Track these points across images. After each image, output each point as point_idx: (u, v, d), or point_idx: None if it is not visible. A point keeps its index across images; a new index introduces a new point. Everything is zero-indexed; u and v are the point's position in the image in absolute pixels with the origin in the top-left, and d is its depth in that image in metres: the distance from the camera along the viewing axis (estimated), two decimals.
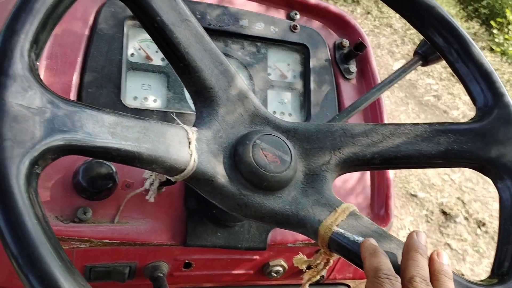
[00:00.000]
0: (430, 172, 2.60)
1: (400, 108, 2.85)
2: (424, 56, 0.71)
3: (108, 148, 0.41)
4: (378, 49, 3.18)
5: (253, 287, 0.75)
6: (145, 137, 0.44)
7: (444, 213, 2.45)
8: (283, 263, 0.70)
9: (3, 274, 0.62)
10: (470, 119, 0.56)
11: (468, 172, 2.67)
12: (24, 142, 0.36)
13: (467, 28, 3.66)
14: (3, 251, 0.34)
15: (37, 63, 0.40)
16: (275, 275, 0.71)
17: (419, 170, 2.58)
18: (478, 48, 0.58)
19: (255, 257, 0.69)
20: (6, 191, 0.34)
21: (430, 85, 3.14)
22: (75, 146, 0.39)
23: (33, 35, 0.39)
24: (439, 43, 0.58)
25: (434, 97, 3.06)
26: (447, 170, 2.66)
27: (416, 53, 0.72)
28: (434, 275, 0.44)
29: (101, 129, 0.41)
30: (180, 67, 0.50)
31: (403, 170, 2.53)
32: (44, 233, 0.34)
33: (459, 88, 3.16)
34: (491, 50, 3.57)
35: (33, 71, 0.39)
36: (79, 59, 0.63)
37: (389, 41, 3.30)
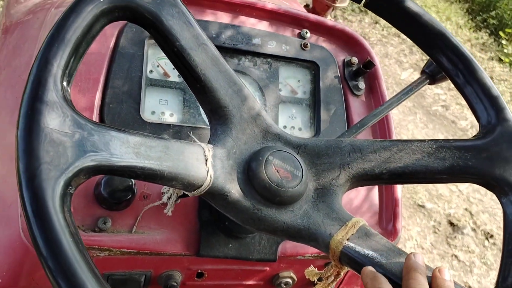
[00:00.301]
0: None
1: (408, 117, 2.86)
2: (431, 75, 0.74)
3: (133, 167, 0.44)
4: (386, 59, 3.20)
5: None
6: (166, 155, 0.47)
7: (451, 224, 2.45)
8: (292, 275, 0.73)
9: None
10: (474, 136, 0.58)
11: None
12: (59, 164, 0.39)
13: (475, 38, 3.67)
14: None
15: (69, 89, 0.43)
16: (285, 286, 0.73)
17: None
18: (481, 68, 0.60)
19: (265, 268, 0.71)
20: (43, 211, 0.37)
21: (438, 95, 3.15)
22: (105, 166, 0.42)
23: (65, 63, 0.42)
24: (444, 63, 0.61)
25: (442, 107, 3.06)
26: None
27: (423, 72, 0.75)
28: None
29: (127, 149, 0.44)
30: (196, 87, 0.54)
31: None
32: (78, 250, 0.37)
33: None
34: (500, 60, 3.57)
35: (65, 97, 0.42)
36: (102, 77, 0.67)
37: (397, 50, 3.32)
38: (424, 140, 0.58)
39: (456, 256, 2.29)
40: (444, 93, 3.20)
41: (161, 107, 0.72)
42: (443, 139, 0.58)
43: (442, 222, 2.45)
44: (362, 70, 0.80)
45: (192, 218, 0.66)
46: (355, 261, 0.49)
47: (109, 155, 0.42)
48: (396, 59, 3.27)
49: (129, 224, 0.63)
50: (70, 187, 0.40)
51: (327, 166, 0.57)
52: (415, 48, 3.36)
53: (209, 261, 0.67)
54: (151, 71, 0.72)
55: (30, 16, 0.79)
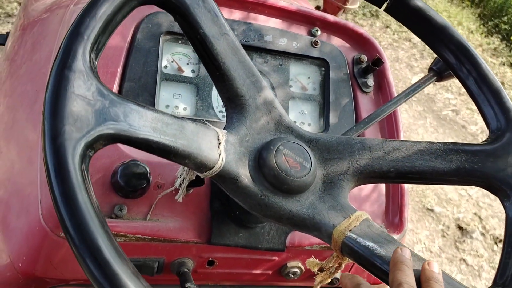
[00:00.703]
0: (447, 187, 2.59)
1: (418, 122, 2.86)
2: (439, 72, 0.75)
3: (150, 140, 0.46)
4: (396, 63, 3.20)
5: (271, 287, 0.79)
6: (181, 134, 0.49)
7: (460, 228, 2.44)
8: (300, 265, 0.74)
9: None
10: (483, 141, 0.60)
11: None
12: (81, 128, 0.42)
13: (487, 43, 3.66)
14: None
15: (96, 62, 0.46)
16: (292, 276, 0.75)
17: (436, 185, 2.59)
18: (493, 73, 0.62)
19: (274, 258, 0.73)
20: (63, 167, 0.40)
21: (448, 100, 3.14)
22: (123, 136, 0.45)
23: (94, 37, 0.45)
24: (458, 71, 0.63)
25: (452, 112, 3.06)
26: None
27: (430, 69, 0.76)
28: (425, 282, 0.47)
29: (144, 123, 0.46)
30: (216, 75, 0.56)
31: (420, 185, 2.54)
32: (92, 206, 0.40)
33: None
34: (511, 65, 3.55)
35: (92, 68, 0.45)
36: (119, 70, 0.69)
37: (408, 55, 3.32)
38: (433, 142, 0.60)
39: (464, 260, 2.28)
40: (455, 97, 3.20)
41: (175, 101, 0.74)
42: (452, 142, 0.60)
43: (451, 226, 2.44)
44: (371, 67, 0.82)
45: (204, 208, 0.68)
46: (355, 252, 0.50)
47: (127, 126, 0.45)
48: (407, 63, 3.27)
49: (143, 212, 0.65)
50: (90, 150, 0.43)
51: (336, 162, 0.58)
52: (426, 52, 3.36)
53: (220, 249, 0.69)
54: (165, 66, 0.75)
55: (49, 13, 0.82)
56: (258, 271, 0.74)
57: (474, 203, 2.59)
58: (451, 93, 3.24)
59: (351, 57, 0.84)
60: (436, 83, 0.76)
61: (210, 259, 0.71)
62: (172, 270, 0.69)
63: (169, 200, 0.67)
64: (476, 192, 2.64)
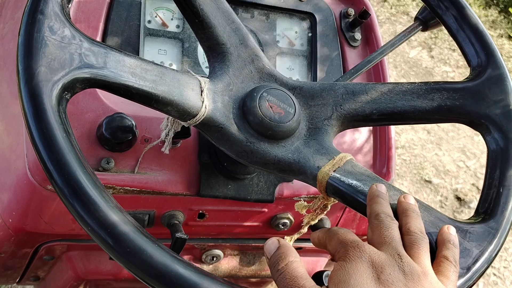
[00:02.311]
0: (445, 159, 2.60)
1: None
2: (424, 21, 0.75)
3: (129, 86, 0.46)
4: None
5: (262, 240, 0.80)
6: (161, 80, 0.49)
7: (458, 198, 2.45)
8: (289, 216, 0.75)
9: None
10: (465, 78, 0.60)
11: (484, 159, 2.66)
12: (56, 69, 0.42)
13: (485, 16, 3.62)
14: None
15: (69, 6, 0.46)
16: (282, 227, 0.76)
17: (434, 157, 2.59)
18: (474, 12, 0.61)
19: (263, 209, 0.74)
20: (39, 108, 0.40)
21: (446, 73, 3.12)
22: (100, 81, 0.44)
23: None
24: (437, 8, 0.62)
25: None
26: (463, 157, 2.65)
27: (416, 18, 0.76)
28: (402, 213, 0.47)
29: (123, 68, 0.46)
30: (195, 23, 0.55)
31: (417, 155, 2.54)
32: (71, 144, 0.40)
33: None
34: (509, 38, 3.52)
35: (65, 12, 0.44)
36: (101, 25, 0.69)
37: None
38: (414, 83, 0.60)
39: None
40: (453, 70, 3.18)
41: (160, 57, 0.74)
42: (433, 82, 0.60)
43: (449, 197, 2.46)
44: (358, 20, 0.81)
45: (192, 160, 0.68)
46: (340, 191, 0.51)
47: (105, 71, 0.45)
48: None
49: (131, 165, 0.66)
50: (66, 93, 0.43)
51: (320, 107, 0.58)
52: None
53: (209, 201, 0.70)
54: (149, 21, 0.74)
55: None
56: (248, 223, 0.75)
57: (472, 174, 2.60)
58: (449, 66, 3.23)
59: (338, 11, 0.83)
60: (422, 32, 0.75)
61: (200, 211, 0.71)
62: (162, 222, 0.70)
63: (157, 154, 0.67)
64: (474, 163, 2.64)
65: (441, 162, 2.59)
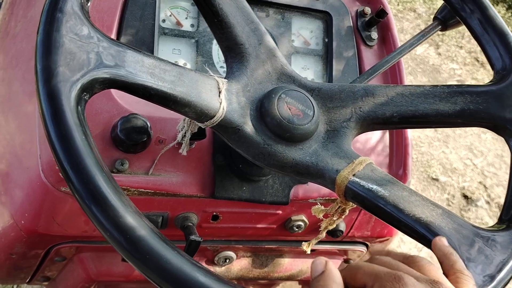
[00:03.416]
0: (452, 157, 2.58)
1: None
2: (444, 21, 0.73)
3: (147, 87, 0.45)
4: (401, 34, 3.15)
5: (276, 242, 0.79)
6: (180, 81, 0.48)
7: (465, 197, 2.44)
8: (304, 218, 0.74)
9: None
10: (488, 82, 0.59)
11: (491, 156, 2.64)
12: (75, 69, 0.41)
13: None
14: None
15: (88, 5, 0.44)
16: (297, 229, 0.75)
17: (441, 155, 2.57)
18: (498, 15, 0.60)
19: (277, 211, 0.73)
20: (58, 108, 0.39)
21: (453, 70, 3.10)
22: (119, 82, 0.44)
23: None
24: (461, 11, 0.61)
25: (457, 82, 3.02)
26: (470, 155, 2.64)
27: (435, 18, 0.74)
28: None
29: (141, 68, 0.45)
30: (214, 22, 0.54)
31: (424, 153, 2.53)
32: (90, 147, 0.39)
33: (483, 73, 3.12)
34: None
35: (84, 10, 0.44)
36: (115, 24, 0.68)
37: (413, 25, 3.27)
38: (436, 86, 0.58)
39: None
40: (460, 68, 3.16)
41: (174, 56, 0.73)
42: (456, 85, 0.58)
43: (456, 195, 2.44)
44: (374, 19, 0.80)
45: (207, 162, 0.67)
46: (359, 195, 0.50)
47: (124, 71, 0.44)
48: (412, 34, 3.22)
49: (145, 166, 0.65)
50: (85, 93, 0.42)
51: (339, 109, 0.57)
52: (431, 22, 3.30)
53: (223, 203, 0.69)
54: (163, 20, 0.73)
55: None
56: (262, 225, 0.74)
57: (479, 172, 2.58)
58: (456, 63, 3.20)
59: (354, 9, 0.82)
60: (441, 32, 0.74)
61: (214, 213, 0.70)
62: (176, 224, 0.69)
63: (171, 155, 0.66)
64: (481, 161, 2.63)
65: (448, 160, 2.58)
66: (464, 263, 0.46)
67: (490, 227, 0.52)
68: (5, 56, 0.76)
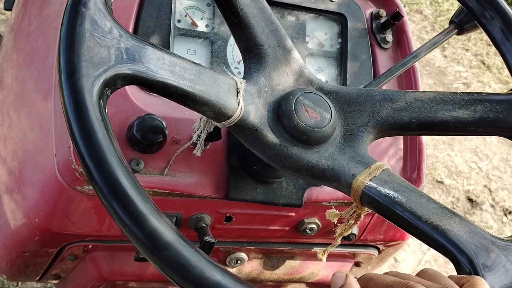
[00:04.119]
0: (458, 160, 2.58)
1: None
2: (460, 25, 0.73)
3: (167, 84, 0.45)
4: None
5: (288, 244, 0.79)
6: (199, 79, 0.48)
7: (470, 200, 2.43)
8: (317, 221, 0.74)
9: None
10: (509, 90, 0.58)
11: (496, 160, 2.64)
12: (98, 64, 0.41)
13: None
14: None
15: (111, 0, 0.44)
16: (309, 232, 0.74)
17: (446, 157, 2.57)
18: None
19: (291, 214, 0.73)
20: (80, 103, 0.39)
21: (459, 73, 3.09)
22: (141, 78, 0.44)
23: None
24: (481, 17, 0.61)
25: (463, 85, 3.01)
26: (475, 158, 2.63)
27: (451, 21, 0.74)
28: None
29: (162, 66, 0.45)
30: (234, 22, 0.54)
31: (429, 156, 2.52)
32: (111, 142, 0.39)
33: (489, 76, 3.11)
34: None
35: (108, 6, 0.44)
36: (132, 23, 0.68)
37: (419, 27, 3.26)
38: (456, 93, 0.58)
39: None
40: (466, 70, 3.15)
41: (189, 57, 0.73)
42: (475, 92, 0.58)
43: (461, 198, 2.44)
44: (390, 22, 0.79)
45: (221, 163, 0.67)
46: (375, 201, 0.49)
47: (145, 68, 0.44)
48: (418, 36, 3.21)
49: (160, 167, 0.65)
50: (107, 89, 0.42)
51: (356, 113, 0.57)
52: (437, 25, 3.29)
53: (237, 205, 0.69)
54: (179, 21, 0.73)
55: None
56: (275, 227, 0.74)
57: (484, 175, 2.58)
58: (462, 66, 3.19)
59: (369, 12, 0.82)
60: (457, 36, 0.73)
61: (227, 214, 0.70)
62: (190, 225, 0.69)
63: (186, 156, 0.66)
64: (486, 164, 2.62)
65: (453, 162, 2.57)
66: (481, 272, 0.45)
67: (508, 237, 0.51)
68: (19, 54, 0.76)
